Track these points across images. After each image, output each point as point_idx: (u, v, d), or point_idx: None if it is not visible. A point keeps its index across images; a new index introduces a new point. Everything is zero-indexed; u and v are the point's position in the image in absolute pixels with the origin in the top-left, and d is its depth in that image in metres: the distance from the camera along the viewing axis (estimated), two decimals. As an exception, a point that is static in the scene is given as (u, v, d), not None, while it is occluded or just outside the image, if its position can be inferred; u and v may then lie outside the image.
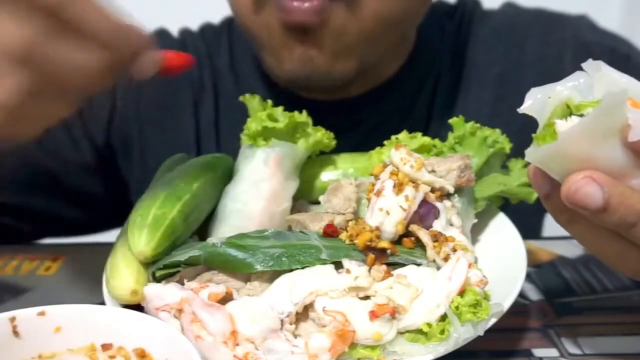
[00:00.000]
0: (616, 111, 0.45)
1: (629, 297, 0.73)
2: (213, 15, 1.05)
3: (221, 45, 1.01)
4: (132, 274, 0.60)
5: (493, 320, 0.58)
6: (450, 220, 0.65)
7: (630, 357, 0.63)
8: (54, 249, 0.86)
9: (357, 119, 0.95)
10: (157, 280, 0.61)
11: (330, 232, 0.62)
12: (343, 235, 0.62)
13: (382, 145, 0.75)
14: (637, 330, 0.67)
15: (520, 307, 0.70)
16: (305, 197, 0.75)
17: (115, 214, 0.67)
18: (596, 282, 0.76)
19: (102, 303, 0.62)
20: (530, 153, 0.49)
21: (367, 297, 0.57)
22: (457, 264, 0.59)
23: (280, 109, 0.72)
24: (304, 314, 0.57)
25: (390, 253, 0.60)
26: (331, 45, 0.79)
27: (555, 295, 0.73)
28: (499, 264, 0.66)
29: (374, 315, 0.55)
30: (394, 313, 0.56)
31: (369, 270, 0.58)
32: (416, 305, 0.57)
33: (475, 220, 0.70)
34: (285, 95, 0.94)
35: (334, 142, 0.75)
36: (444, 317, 0.56)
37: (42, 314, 0.53)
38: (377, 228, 0.61)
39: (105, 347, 0.53)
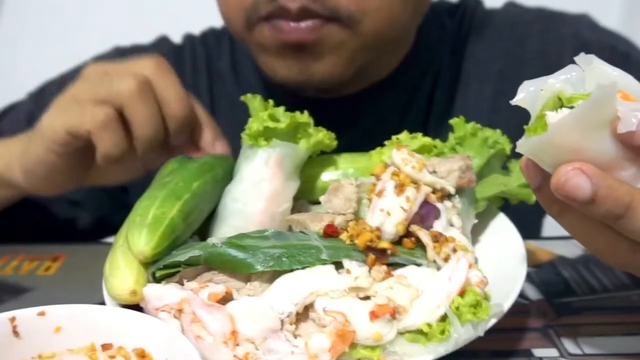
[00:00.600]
0: (606, 103, 0.45)
1: (629, 297, 0.73)
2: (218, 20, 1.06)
3: (222, 47, 1.02)
4: (131, 274, 0.60)
5: (493, 321, 0.58)
6: (450, 220, 0.65)
7: (630, 357, 0.63)
8: (54, 249, 0.86)
9: (357, 115, 0.95)
10: (157, 280, 0.61)
11: (331, 233, 0.62)
12: (343, 236, 0.62)
13: (382, 141, 0.75)
14: (637, 330, 0.67)
15: (520, 307, 0.70)
16: (305, 197, 0.75)
17: (114, 216, 0.68)
18: (596, 282, 0.76)
19: (102, 303, 0.62)
20: (522, 144, 0.49)
21: (367, 298, 0.57)
22: (457, 264, 0.59)
23: (281, 109, 0.72)
24: (304, 314, 0.57)
25: (391, 253, 0.60)
26: (328, 57, 0.80)
27: (555, 295, 0.74)
28: (499, 264, 0.66)
29: (374, 315, 0.55)
30: (394, 313, 0.56)
31: (370, 271, 0.58)
32: (416, 305, 0.57)
33: (476, 221, 0.71)
34: (285, 94, 0.94)
35: (335, 143, 0.75)
36: (444, 318, 0.56)
37: (42, 314, 0.52)
38: (378, 228, 0.61)
39: (105, 347, 0.53)
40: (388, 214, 0.61)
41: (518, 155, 0.75)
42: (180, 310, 0.56)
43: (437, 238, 0.61)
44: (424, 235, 0.62)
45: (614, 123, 0.45)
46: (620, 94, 0.46)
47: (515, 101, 0.50)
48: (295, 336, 0.56)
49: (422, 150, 0.72)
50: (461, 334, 0.55)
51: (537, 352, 0.64)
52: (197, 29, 1.07)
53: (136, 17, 1.10)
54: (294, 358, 0.54)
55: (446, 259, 0.60)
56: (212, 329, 0.54)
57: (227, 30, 1.03)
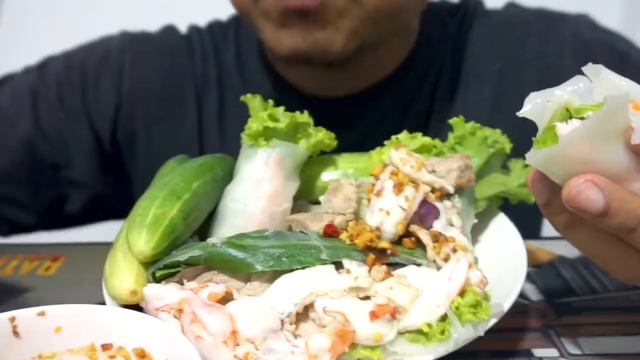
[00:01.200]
0: (618, 114, 0.44)
1: (628, 297, 0.73)
2: (220, 14, 1.06)
3: (228, 40, 1.02)
4: (131, 274, 0.60)
5: (493, 321, 0.58)
6: (450, 220, 0.65)
7: (630, 357, 0.63)
8: (54, 249, 0.86)
9: (359, 114, 0.95)
10: (157, 280, 0.61)
11: (331, 232, 0.62)
12: (343, 236, 0.62)
13: (383, 140, 0.75)
14: (637, 330, 0.67)
15: (520, 307, 0.70)
16: (305, 197, 0.75)
17: (118, 207, 0.68)
18: (596, 282, 0.76)
19: (102, 303, 0.62)
20: (531, 156, 0.48)
21: (367, 298, 0.57)
22: (457, 264, 0.59)
23: (281, 109, 0.72)
24: (304, 314, 0.57)
25: (391, 253, 0.60)
26: (331, 25, 0.80)
27: (555, 295, 0.73)
28: (499, 264, 0.66)
29: (374, 315, 0.55)
30: (394, 313, 0.56)
31: (369, 271, 0.58)
32: (416, 305, 0.57)
33: (476, 221, 0.70)
34: (290, 90, 0.95)
35: (335, 142, 0.75)
36: (444, 318, 0.56)
37: (42, 314, 0.52)
38: (377, 228, 0.61)
39: (105, 347, 0.52)
40: (387, 213, 0.61)
41: (518, 155, 0.76)
42: (180, 310, 0.56)
43: (437, 238, 0.61)
44: (423, 235, 0.62)
45: (627, 134, 0.45)
46: (632, 104, 0.45)
47: (521, 113, 0.49)
48: (295, 336, 0.56)
49: (421, 149, 0.72)
50: (461, 334, 0.55)
51: (537, 352, 0.64)
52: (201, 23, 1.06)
53: (136, 17, 1.10)
54: (294, 358, 0.54)
55: (446, 259, 0.60)
56: (212, 329, 0.54)
57: (232, 23, 1.03)
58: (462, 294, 0.57)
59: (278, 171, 0.70)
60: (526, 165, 0.75)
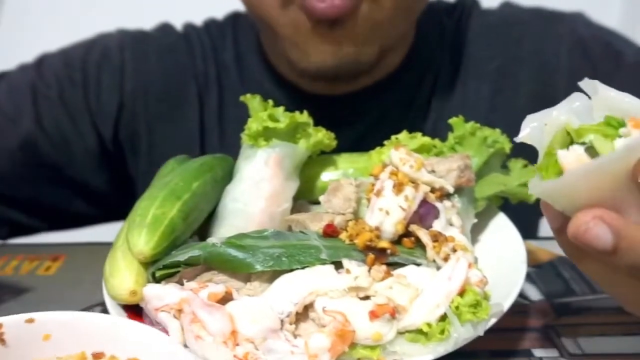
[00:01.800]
0: (632, 157, 0.42)
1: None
2: (214, 12, 1.06)
3: (226, 39, 1.01)
4: (131, 274, 0.60)
5: (493, 320, 0.58)
6: (450, 220, 0.65)
7: (630, 357, 0.63)
8: (54, 249, 0.86)
9: (359, 112, 0.95)
10: (157, 280, 0.61)
11: (330, 232, 0.62)
12: (343, 235, 0.62)
13: (383, 138, 0.75)
14: (637, 330, 0.67)
15: (520, 307, 0.70)
16: (305, 197, 0.75)
17: (120, 206, 0.67)
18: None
19: (102, 303, 0.62)
20: (535, 186, 0.46)
21: (367, 297, 0.57)
22: (457, 264, 0.59)
23: (281, 109, 0.72)
24: (304, 314, 0.57)
25: (390, 253, 0.60)
26: (358, 33, 0.80)
27: (555, 295, 0.73)
28: (499, 264, 0.66)
29: (373, 315, 0.55)
30: (394, 313, 0.56)
31: (369, 271, 0.58)
32: (416, 305, 0.57)
33: (475, 220, 0.70)
34: (290, 89, 0.95)
35: (334, 143, 0.75)
36: (444, 317, 0.56)
37: (30, 320, 0.50)
38: (377, 228, 0.61)
39: (97, 355, 0.51)
40: (387, 213, 0.61)
41: (517, 155, 0.76)
42: (180, 310, 0.56)
43: (437, 237, 0.61)
44: (423, 235, 0.62)
45: (638, 167, 0.42)
46: (632, 122, 0.43)
47: (519, 138, 0.47)
48: (295, 336, 0.56)
49: (421, 149, 0.72)
50: (461, 334, 0.55)
51: (537, 352, 0.64)
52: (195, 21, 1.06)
53: (137, 17, 1.10)
54: (294, 358, 0.54)
55: (446, 259, 0.60)
56: (212, 329, 0.54)
57: (229, 22, 1.03)
58: (461, 293, 0.57)
59: (278, 171, 0.70)
60: (526, 165, 0.75)
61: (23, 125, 0.94)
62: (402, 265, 0.61)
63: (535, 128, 0.48)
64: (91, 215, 1.04)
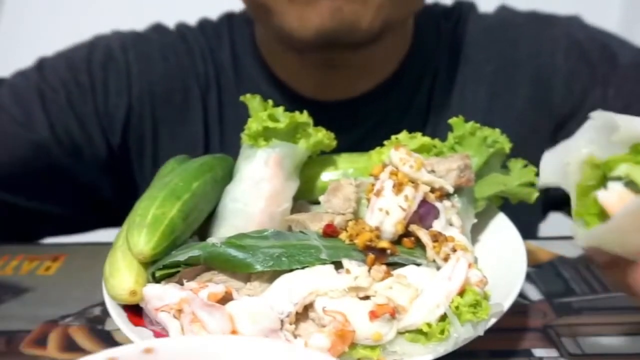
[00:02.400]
0: None
1: (629, 297, 0.73)
2: (205, 13, 1.06)
3: (222, 39, 1.00)
4: (131, 274, 0.60)
5: (493, 320, 0.58)
6: (450, 220, 0.65)
7: (630, 357, 0.63)
8: (54, 249, 0.86)
9: (357, 117, 0.95)
10: (157, 280, 0.61)
11: (330, 232, 0.62)
12: (343, 235, 0.62)
13: (382, 142, 0.75)
14: (637, 330, 0.67)
15: (520, 307, 0.70)
16: (305, 197, 0.75)
17: (124, 212, 0.67)
18: (596, 282, 0.76)
19: (102, 303, 0.62)
20: (582, 236, 0.45)
21: (367, 297, 0.57)
22: (457, 264, 0.59)
23: (281, 109, 0.72)
24: (303, 314, 0.57)
25: (390, 253, 0.60)
26: None
27: (555, 295, 0.73)
28: (499, 264, 0.66)
29: (373, 315, 0.55)
30: (393, 313, 0.56)
31: (369, 271, 0.58)
32: (416, 305, 0.57)
33: (475, 220, 0.70)
34: (288, 94, 0.94)
35: (334, 143, 0.75)
36: (444, 317, 0.56)
37: (148, 351, 0.41)
38: (377, 228, 0.61)
39: None
40: (387, 213, 0.61)
41: (517, 155, 0.76)
42: (180, 311, 0.56)
43: (437, 237, 0.61)
44: (423, 235, 0.62)
45: None
46: None
47: (542, 184, 0.45)
48: (295, 336, 0.56)
49: (421, 149, 0.72)
50: (461, 334, 0.55)
51: (537, 352, 0.64)
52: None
53: (137, 17, 1.10)
54: (294, 358, 0.54)
55: (446, 259, 0.60)
56: (212, 329, 0.54)
57: (224, 22, 1.02)
58: (461, 293, 0.57)
59: (278, 171, 0.70)
60: (526, 165, 0.75)
61: (36, 131, 0.93)
62: (402, 265, 0.61)
63: (557, 168, 0.46)
64: (94, 221, 1.04)
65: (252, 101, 0.75)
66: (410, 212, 0.62)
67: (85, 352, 0.66)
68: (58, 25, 1.64)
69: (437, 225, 0.63)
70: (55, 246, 0.88)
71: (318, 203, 0.71)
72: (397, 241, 0.62)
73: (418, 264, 0.61)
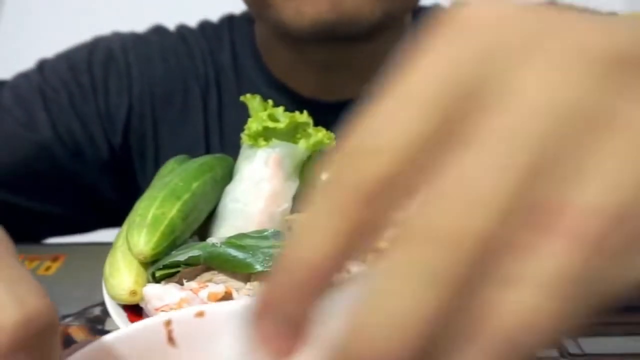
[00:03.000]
0: None
1: (629, 297, 0.73)
2: (205, 16, 1.06)
3: (223, 40, 1.01)
4: (131, 274, 0.60)
5: (493, 321, 0.58)
6: (450, 220, 0.65)
7: (630, 357, 0.63)
8: (54, 249, 0.86)
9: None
10: (157, 280, 0.61)
11: (330, 232, 0.62)
12: (343, 236, 0.61)
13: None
14: (637, 330, 0.67)
15: (520, 307, 0.70)
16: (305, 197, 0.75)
17: (124, 214, 0.67)
18: (596, 282, 0.76)
19: (102, 303, 0.62)
20: None
21: (366, 297, 0.57)
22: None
23: (281, 109, 0.72)
24: (303, 314, 0.57)
25: (390, 253, 0.60)
26: None
27: (555, 295, 0.73)
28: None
29: (373, 315, 0.55)
30: (393, 313, 0.56)
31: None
32: (416, 305, 0.57)
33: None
34: (288, 94, 0.94)
35: (334, 143, 0.75)
36: (443, 317, 0.56)
37: (200, 314, 0.42)
38: (377, 228, 0.61)
39: None
40: (387, 213, 0.61)
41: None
42: (179, 310, 0.56)
43: (437, 238, 0.61)
44: (423, 235, 0.61)
45: None
46: None
47: None
48: (295, 336, 0.56)
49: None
50: (461, 334, 0.55)
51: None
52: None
53: (137, 17, 1.10)
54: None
55: (446, 259, 0.60)
56: (212, 329, 0.54)
57: (224, 24, 1.02)
58: (461, 294, 0.57)
59: (278, 171, 0.70)
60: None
61: (38, 132, 0.93)
62: (402, 265, 0.60)
63: None
64: (95, 221, 1.04)
65: (252, 101, 0.75)
66: (410, 212, 0.62)
67: (85, 352, 0.66)
68: (58, 25, 1.65)
69: (437, 225, 0.63)
70: (55, 246, 0.88)
71: (318, 203, 0.70)
72: (397, 241, 0.62)
73: (418, 264, 0.61)
